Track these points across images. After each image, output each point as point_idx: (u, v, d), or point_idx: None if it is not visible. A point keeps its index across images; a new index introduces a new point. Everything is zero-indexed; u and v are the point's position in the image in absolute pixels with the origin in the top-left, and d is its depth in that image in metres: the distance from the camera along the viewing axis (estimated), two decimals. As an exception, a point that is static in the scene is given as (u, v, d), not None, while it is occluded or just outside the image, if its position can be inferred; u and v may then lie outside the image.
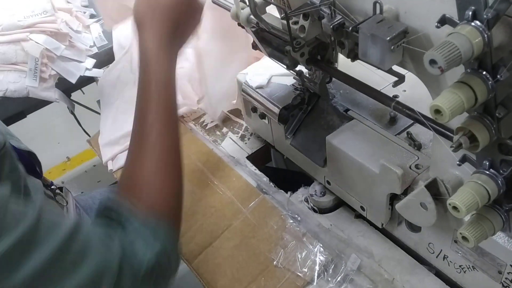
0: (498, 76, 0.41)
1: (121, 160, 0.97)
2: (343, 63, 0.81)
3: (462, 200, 0.46)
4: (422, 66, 0.52)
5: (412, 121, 0.73)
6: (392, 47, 0.49)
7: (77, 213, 0.76)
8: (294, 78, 0.82)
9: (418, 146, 0.69)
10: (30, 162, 0.68)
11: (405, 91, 0.78)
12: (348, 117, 0.76)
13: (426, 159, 0.66)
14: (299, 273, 0.71)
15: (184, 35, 0.70)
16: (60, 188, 0.81)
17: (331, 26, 0.55)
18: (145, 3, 0.67)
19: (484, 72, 0.42)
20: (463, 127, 0.45)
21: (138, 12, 0.67)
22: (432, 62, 0.39)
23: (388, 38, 0.48)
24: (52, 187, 0.75)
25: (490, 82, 0.41)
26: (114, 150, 0.97)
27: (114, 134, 0.98)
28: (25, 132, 1.33)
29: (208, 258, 0.77)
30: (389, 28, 0.49)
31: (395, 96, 0.72)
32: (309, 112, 0.81)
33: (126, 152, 0.95)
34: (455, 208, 0.46)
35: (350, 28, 0.53)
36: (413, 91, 0.79)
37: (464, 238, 0.49)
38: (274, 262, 0.74)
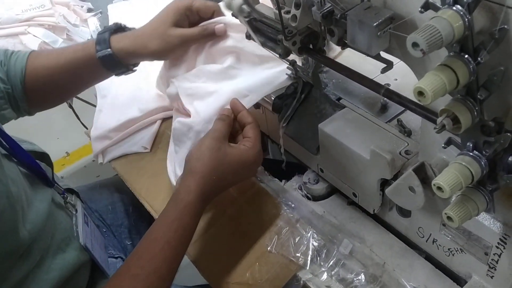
0: (479, 59, 0.42)
1: (110, 154, 0.98)
2: (345, 54, 0.82)
3: (446, 180, 0.47)
4: (406, 50, 0.54)
5: (403, 109, 0.75)
6: (378, 33, 0.50)
7: (84, 222, 0.77)
8: (287, 67, 0.83)
9: (408, 133, 0.70)
10: (41, 172, 0.69)
11: (396, 79, 0.80)
12: (340, 106, 0.77)
13: (416, 145, 0.68)
14: (292, 258, 0.73)
15: (228, 187, 0.74)
16: (71, 192, 0.83)
17: (321, 14, 0.56)
18: (207, 158, 0.68)
19: (466, 56, 0.43)
20: (447, 109, 0.46)
21: (198, 160, 0.69)
22: (415, 45, 0.41)
23: (375, 24, 0.49)
24: (64, 195, 0.76)
25: (471, 65, 0.43)
26: (104, 144, 0.98)
27: (104, 127, 0.99)
28: (24, 128, 1.35)
29: (204, 245, 0.79)
30: (375, 15, 0.51)
31: (387, 85, 0.74)
32: (303, 101, 0.83)
33: (116, 145, 0.98)
34: (439, 188, 0.48)
35: (339, 15, 0.55)
36: (404, 80, 0.80)
37: (449, 218, 0.50)
38: (268, 248, 0.75)
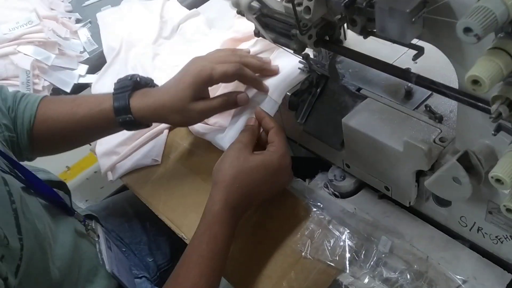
0: (537, 38, 0.38)
1: (120, 169, 0.94)
2: (350, 41, 0.78)
3: (505, 171, 0.43)
4: (441, 36, 0.50)
5: (429, 93, 0.71)
6: (413, 19, 0.46)
7: (107, 247, 0.74)
8: (300, 62, 0.79)
9: (439, 119, 0.66)
10: (60, 201, 0.66)
11: (416, 63, 0.76)
12: (362, 96, 0.73)
13: (450, 131, 0.64)
14: (329, 262, 0.69)
15: (259, 195, 0.72)
16: (90, 217, 0.79)
17: (343, 4, 0.52)
18: (230, 166, 0.69)
19: (520, 36, 0.39)
20: (500, 95, 0.42)
21: (218, 171, 0.70)
22: (467, 30, 0.37)
23: (409, 10, 0.45)
24: (84, 222, 0.72)
25: (526, 44, 0.39)
26: (111, 160, 0.94)
27: (110, 142, 0.94)
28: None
29: (233, 257, 0.74)
30: (406, 0, 0.46)
31: (407, 69, 0.70)
32: (319, 95, 0.79)
33: (124, 160, 0.94)
34: (498, 180, 0.44)
35: (364, 4, 0.50)
36: (424, 62, 0.76)
37: (508, 210, 0.46)
38: (303, 254, 0.71)
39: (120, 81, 0.79)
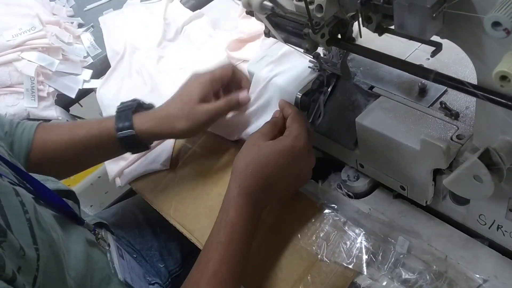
0: None
1: (128, 175, 0.93)
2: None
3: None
4: (460, 31, 0.49)
5: (444, 90, 0.70)
6: (434, 14, 0.45)
7: (119, 255, 0.73)
8: (310, 61, 0.77)
9: (455, 116, 0.65)
10: (70, 211, 0.65)
11: (428, 59, 0.75)
12: (374, 95, 0.72)
13: (467, 128, 0.63)
14: (346, 264, 0.68)
15: (279, 187, 0.71)
16: (100, 225, 0.78)
17: (359, 1, 0.50)
18: (244, 155, 0.70)
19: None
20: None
21: (235, 161, 0.70)
22: (496, 24, 0.36)
23: (429, 5, 0.44)
24: (94, 231, 0.71)
25: (555, 37, 0.38)
26: (119, 166, 0.93)
27: None
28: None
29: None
30: (427, -5, 0.45)
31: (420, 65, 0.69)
32: (330, 94, 0.77)
33: (133, 166, 0.93)
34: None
35: (381, 1, 0.49)
36: (435, 59, 0.75)
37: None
38: (319, 257, 0.70)
39: (123, 103, 0.81)
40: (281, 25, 0.66)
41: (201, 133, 0.90)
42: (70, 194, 0.70)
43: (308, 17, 0.59)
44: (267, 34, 0.70)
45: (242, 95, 0.81)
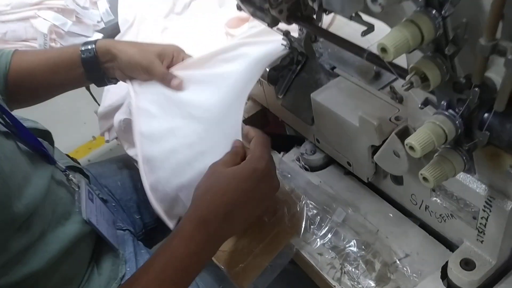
0: (442, 12, 0.41)
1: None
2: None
3: (417, 139, 0.46)
4: (388, 13, 0.53)
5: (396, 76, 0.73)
6: (349, -7, 0.49)
7: (88, 198, 0.79)
8: (282, 38, 0.82)
9: (400, 99, 0.69)
10: (41, 149, 0.72)
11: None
12: (335, 75, 0.77)
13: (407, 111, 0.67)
14: (286, 227, 0.74)
15: (243, 220, 0.66)
16: (76, 169, 0.85)
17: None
18: (204, 182, 0.66)
19: (434, 11, 0.42)
20: (416, 66, 0.45)
21: (196, 189, 0.66)
22: (373, 0, 0.40)
23: (345, -16, 0.49)
24: (66, 172, 0.78)
25: (437, 19, 0.42)
26: (110, 122, 1.00)
27: (111, 106, 1.01)
28: (53, 114, 1.40)
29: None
30: (347, -25, 0.50)
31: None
32: (299, 72, 0.82)
33: None
34: (411, 148, 0.47)
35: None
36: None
37: (424, 178, 0.50)
38: (264, 218, 0.76)
39: None
40: (249, 0, 0.72)
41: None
42: (47, 135, 0.77)
43: (265, -8, 0.64)
44: (239, 8, 0.76)
45: (175, 80, 0.82)
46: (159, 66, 0.82)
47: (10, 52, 0.84)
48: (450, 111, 0.48)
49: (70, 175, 0.79)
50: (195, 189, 0.66)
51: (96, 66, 0.84)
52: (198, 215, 0.63)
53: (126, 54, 0.82)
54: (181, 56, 0.86)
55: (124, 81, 0.87)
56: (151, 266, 0.62)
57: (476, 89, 0.43)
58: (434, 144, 0.47)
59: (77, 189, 0.79)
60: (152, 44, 0.86)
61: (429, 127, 0.47)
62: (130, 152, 0.92)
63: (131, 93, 0.83)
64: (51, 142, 0.79)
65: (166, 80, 0.82)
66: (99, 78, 0.87)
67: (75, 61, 0.82)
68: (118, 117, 0.88)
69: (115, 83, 0.91)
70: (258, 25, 0.95)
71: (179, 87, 0.81)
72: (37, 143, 0.72)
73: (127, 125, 0.86)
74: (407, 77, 0.46)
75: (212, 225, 0.62)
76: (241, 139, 0.73)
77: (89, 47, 0.82)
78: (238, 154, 0.70)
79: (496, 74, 0.43)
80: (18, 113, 0.77)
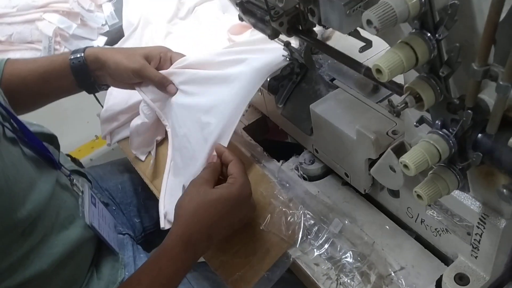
0: (437, 35, 0.42)
1: (118, 135, 1.02)
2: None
3: (411, 158, 0.47)
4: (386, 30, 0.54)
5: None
6: (347, 12, 0.50)
7: (91, 202, 0.80)
8: (283, 49, 0.83)
9: (397, 113, 0.69)
10: (47, 155, 0.73)
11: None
12: (334, 86, 0.78)
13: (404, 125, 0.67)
14: (283, 236, 0.74)
15: (219, 235, 0.71)
16: (79, 174, 0.86)
17: (298, -6, 0.56)
18: (190, 201, 0.69)
19: (428, 34, 0.43)
20: (410, 86, 0.46)
21: (179, 207, 0.69)
22: (369, 22, 0.41)
23: (343, 3, 0.49)
24: (70, 177, 0.79)
25: (431, 42, 0.43)
26: (112, 125, 1.01)
27: (113, 109, 1.02)
28: (55, 113, 1.41)
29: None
30: (346, -7, 0.50)
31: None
32: (299, 82, 0.83)
33: (123, 127, 1.01)
34: (405, 166, 0.48)
35: (316, -5, 0.55)
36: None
37: (418, 196, 0.50)
38: (261, 227, 0.77)
39: None
40: (251, 11, 0.73)
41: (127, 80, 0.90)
42: (53, 139, 0.78)
43: (266, 5, 0.65)
44: (241, 18, 0.77)
45: (170, 86, 0.87)
46: (150, 68, 0.83)
47: (2, 61, 0.85)
48: (444, 130, 0.48)
49: (74, 180, 0.80)
50: (179, 204, 0.70)
51: (86, 74, 0.86)
52: (187, 236, 0.66)
53: (114, 61, 0.84)
54: (168, 55, 0.87)
55: (117, 87, 0.89)
56: (138, 285, 0.65)
57: (469, 111, 0.44)
58: (428, 163, 0.47)
59: (80, 194, 0.80)
60: (137, 48, 0.88)
61: (423, 146, 0.48)
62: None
63: (147, 100, 0.88)
64: (57, 147, 0.80)
65: (163, 85, 0.83)
66: (90, 85, 0.89)
67: (65, 69, 0.84)
68: (135, 122, 0.93)
69: (106, 89, 0.93)
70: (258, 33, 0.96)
71: (174, 93, 0.85)
72: (43, 148, 0.73)
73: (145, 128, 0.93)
74: (402, 97, 0.46)
75: (198, 246, 0.67)
76: (226, 148, 0.78)
77: (78, 55, 0.84)
78: (216, 171, 0.74)
79: (489, 96, 0.44)
80: (23, 115, 0.78)
